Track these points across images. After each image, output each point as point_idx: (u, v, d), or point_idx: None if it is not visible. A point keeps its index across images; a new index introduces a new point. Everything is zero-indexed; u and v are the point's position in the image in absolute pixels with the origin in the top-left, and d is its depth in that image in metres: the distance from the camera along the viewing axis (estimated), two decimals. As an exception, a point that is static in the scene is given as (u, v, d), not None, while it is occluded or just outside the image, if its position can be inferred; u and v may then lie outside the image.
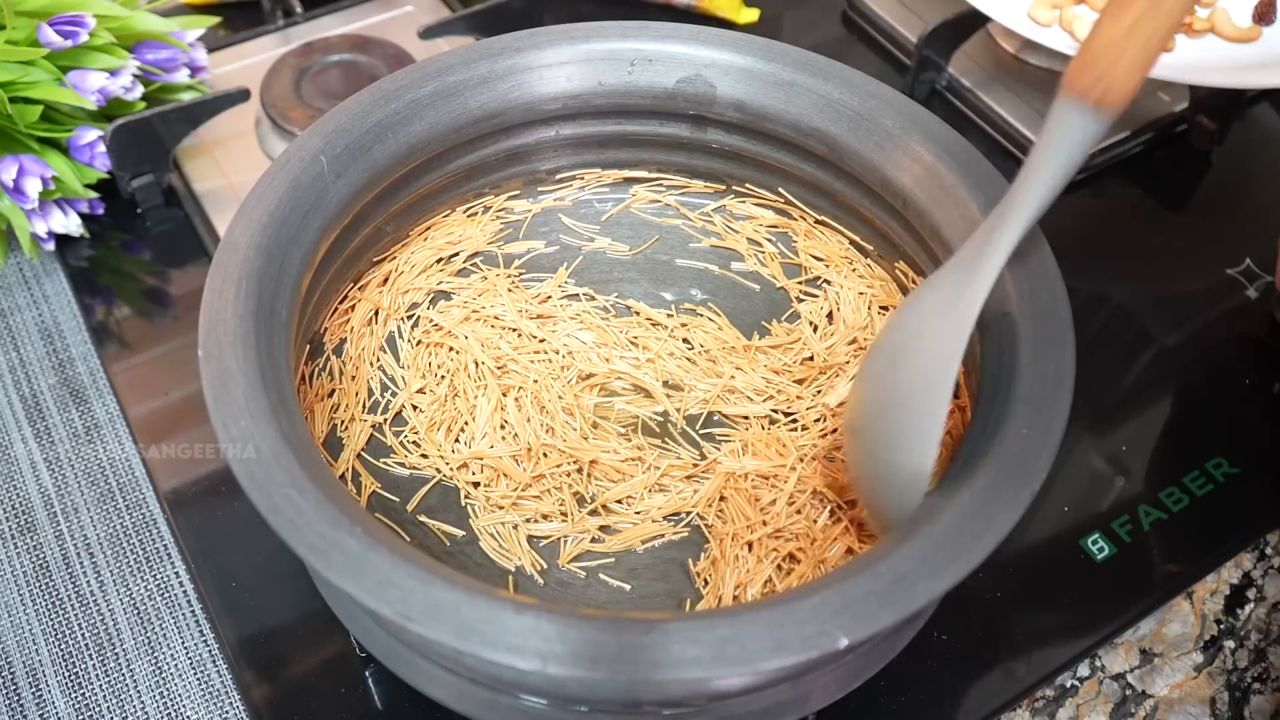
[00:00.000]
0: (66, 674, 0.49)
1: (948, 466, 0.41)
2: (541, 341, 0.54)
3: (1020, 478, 0.38)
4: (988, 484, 0.38)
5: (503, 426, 0.51)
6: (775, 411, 0.52)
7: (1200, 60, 0.66)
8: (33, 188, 0.57)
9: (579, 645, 0.34)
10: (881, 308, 0.54)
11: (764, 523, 0.47)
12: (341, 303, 0.53)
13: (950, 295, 0.41)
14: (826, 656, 0.35)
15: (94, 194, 0.62)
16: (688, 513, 0.49)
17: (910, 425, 0.41)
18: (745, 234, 0.58)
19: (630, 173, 0.58)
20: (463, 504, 0.49)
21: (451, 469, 0.50)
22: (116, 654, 0.50)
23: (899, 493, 0.41)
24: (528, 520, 0.49)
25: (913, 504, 0.40)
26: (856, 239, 0.55)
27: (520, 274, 0.57)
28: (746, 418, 0.52)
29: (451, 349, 0.53)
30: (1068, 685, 0.50)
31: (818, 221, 0.56)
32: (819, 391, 0.53)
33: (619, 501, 0.50)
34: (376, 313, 0.53)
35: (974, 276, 0.41)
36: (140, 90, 0.61)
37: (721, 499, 0.49)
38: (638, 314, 0.56)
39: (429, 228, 0.56)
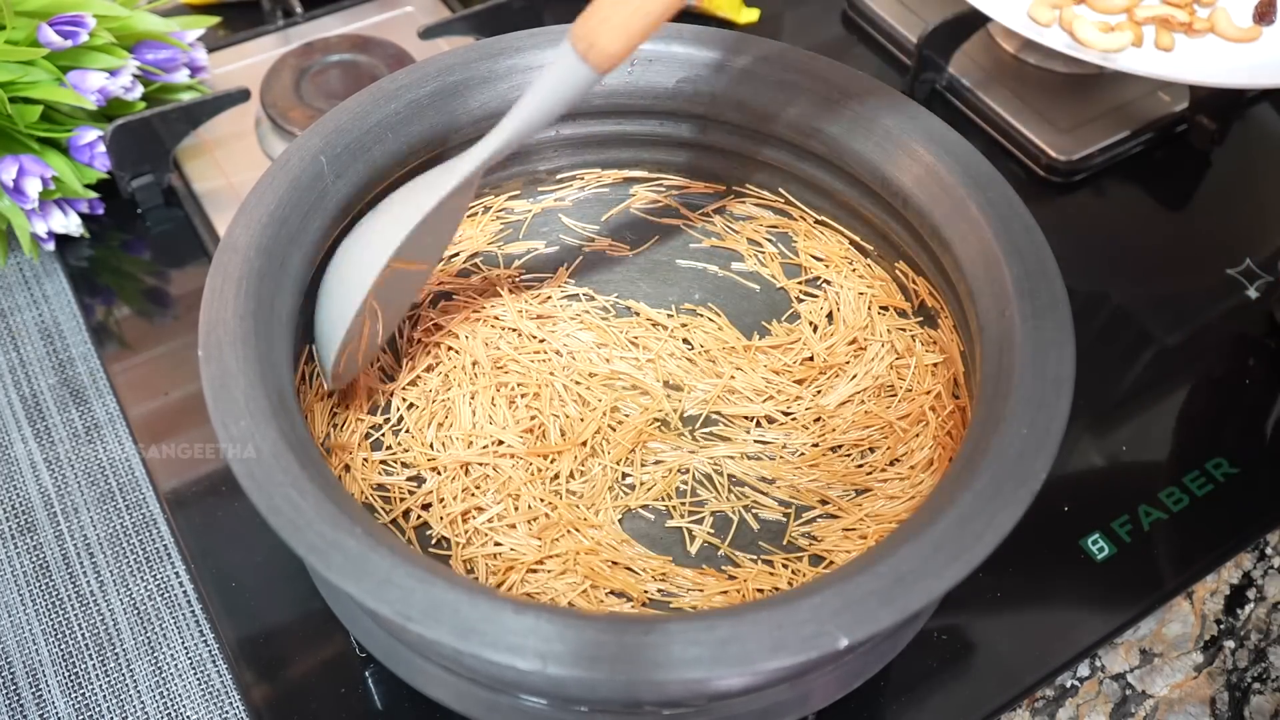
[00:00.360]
0: (66, 674, 0.49)
1: (948, 466, 0.41)
2: (541, 342, 0.54)
3: (1020, 477, 0.38)
4: (988, 484, 0.38)
5: (493, 421, 0.51)
6: (775, 412, 0.52)
7: (1200, 60, 0.66)
8: (33, 188, 0.57)
9: (579, 645, 0.34)
10: (881, 308, 0.54)
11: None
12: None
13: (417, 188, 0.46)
14: (826, 656, 0.35)
15: (94, 194, 0.62)
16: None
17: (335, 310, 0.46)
18: (745, 234, 0.58)
19: (630, 173, 0.58)
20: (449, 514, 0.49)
21: (446, 468, 0.50)
22: (116, 654, 0.50)
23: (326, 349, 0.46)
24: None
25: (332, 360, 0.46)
26: (856, 239, 0.55)
27: (520, 274, 0.57)
28: (748, 418, 0.52)
29: (451, 348, 0.53)
30: (1068, 685, 0.50)
31: (818, 221, 0.56)
32: (819, 392, 0.53)
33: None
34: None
35: (442, 175, 0.46)
36: (140, 90, 0.61)
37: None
38: (638, 314, 0.56)
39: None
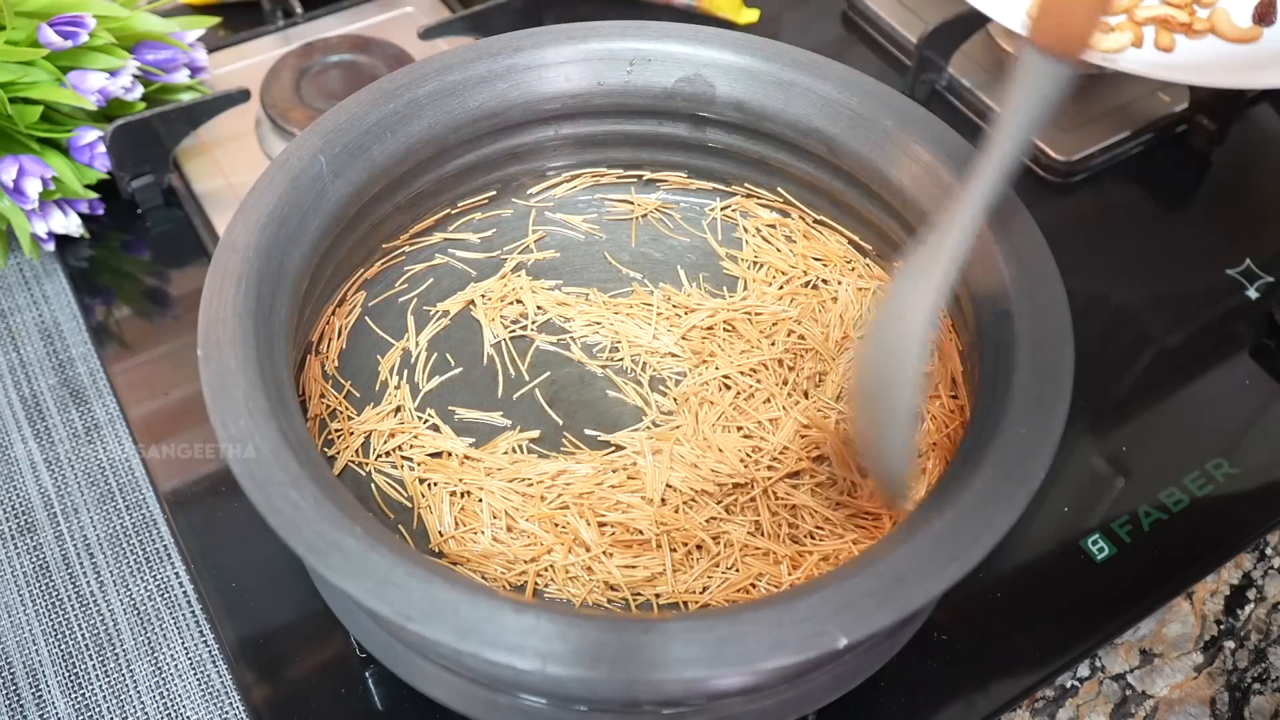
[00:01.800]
0: (66, 674, 0.49)
1: (946, 466, 0.41)
2: (541, 339, 0.54)
3: (1019, 478, 0.38)
4: (986, 484, 0.38)
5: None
6: (766, 406, 0.52)
7: (1200, 60, 0.66)
8: (33, 188, 0.57)
9: (579, 645, 0.34)
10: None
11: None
12: (341, 304, 0.53)
13: (923, 260, 0.42)
14: (825, 656, 0.35)
15: (94, 194, 0.62)
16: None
17: (890, 398, 0.41)
18: (744, 234, 0.58)
19: (629, 172, 0.58)
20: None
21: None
22: (116, 654, 0.50)
23: (889, 467, 0.42)
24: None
25: (902, 477, 0.42)
26: (855, 239, 0.55)
27: (520, 273, 0.57)
28: (737, 410, 0.52)
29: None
30: (1068, 685, 0.50)
31: (817, 221, 0.56)
32: (818, 383, 0.52)
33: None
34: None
35: (946, 235, 0.41)
36: (140, 91, 0.61)
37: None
38: (635, 309, 0.56)
39: (427, 227, 0.56)
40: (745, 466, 0.49)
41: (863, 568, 0.36)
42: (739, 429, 0.51)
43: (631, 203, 0.59)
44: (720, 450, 0.50)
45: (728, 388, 0.53)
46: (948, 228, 0.41)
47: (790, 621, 0.35)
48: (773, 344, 0.54)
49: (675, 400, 0.52)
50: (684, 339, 0.55)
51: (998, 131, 0.41)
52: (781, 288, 0.56)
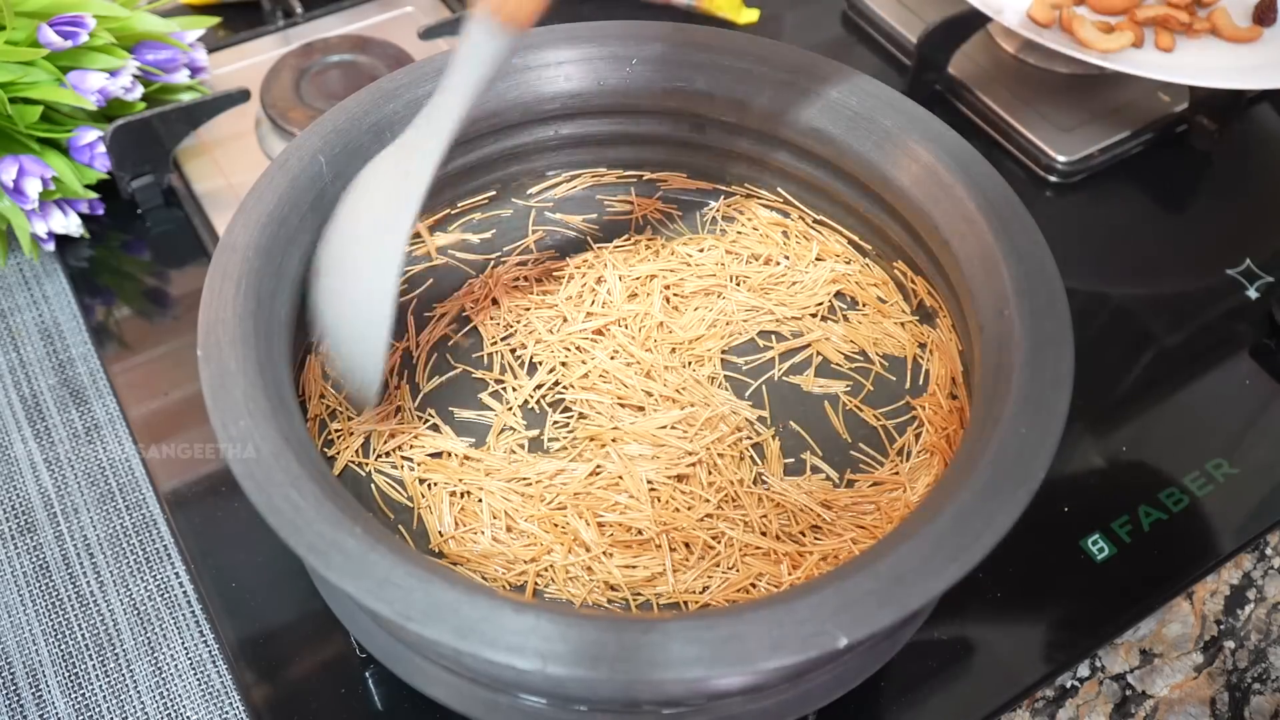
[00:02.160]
0: (66, 674, 0.49)
1: (946, 466, 0.41)
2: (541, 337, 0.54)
3: (1018, 478, 0.38)
4: (986, 484, 0.38)
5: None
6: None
7: (1200, 60, 0.66)
8: (33, 188, 0.57)
9: (579, 645, 0.34)
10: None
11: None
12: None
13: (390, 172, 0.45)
14: (825, 656, 0.35)
15: (94, 194, 0.62)
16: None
17: (366, 309, 0.44)
18: (745, 234, 0.58)
19: (629, 172, 0.58)
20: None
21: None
22: (116, 654, 0.50)
23: (361, 377, 0.46)
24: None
25: (371, 385, 0.45)
26: (855, 238, 0.55)
27: (520, 271, 0.57)
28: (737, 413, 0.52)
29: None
30: (1068, 685, 0.50)
31: (816, 221, 0.56)
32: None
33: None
34: None
35: (410, 154, 0.45)
36: (140, 91, 0.61)
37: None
38: (635, 313, 0.56)
39: (427, 227, 0.56)
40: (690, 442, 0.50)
41: (863, 567, 0.36)
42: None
43: (631, 203, 0.59)
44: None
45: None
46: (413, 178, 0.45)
47: (790, 621, 0.35)
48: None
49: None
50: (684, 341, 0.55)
51: (445, 85, 0.44)
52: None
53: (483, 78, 0.43)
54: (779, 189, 0.57)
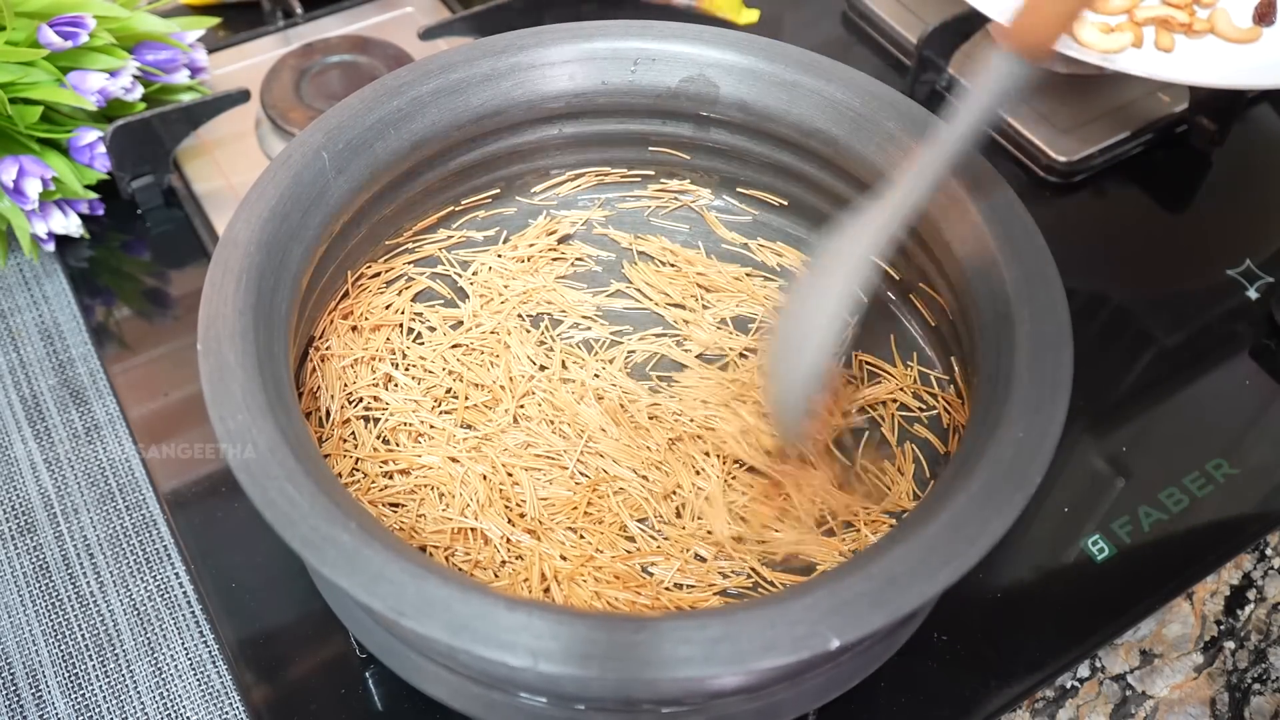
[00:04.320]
0: (66, 674, 0.49)
1: (944, 468, 0.41)
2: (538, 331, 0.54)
3: (1015, 481, 0.38)
4: (982, 487, 0.38)
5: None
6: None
7: (1200, 61, 0.66)
8: (33, 188, 0.57)
9: (570, 643, 0.34)
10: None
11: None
12: (343, 299, 0.53)
13: (856, 231, 0.44)
14: (818, 657, 0.35)
15: (94, 195, 0.62)
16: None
17: (801, 355, 0.44)
18: (746, 233, 0.58)
19: (632, 172, 0.58)
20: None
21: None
22: (116, 654, 0.50)
23: (786, 417, 0.46)
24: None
25: (794, 429, 0.46)
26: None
27: (522, 270, 0.57)
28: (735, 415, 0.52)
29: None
30: (1068, 686, 0.50)
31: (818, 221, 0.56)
32: None
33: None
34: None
35: (885, 208, 0.44)
36: (140, 91, 0.61)
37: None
38: (637, 313, 0.56)
39: (430, 225, 0.56)
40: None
41: (856, 569, 0.36)
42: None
43: (634, 202, 0.59)
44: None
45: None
46: (890, 200, 0.44)
47: (783, 622, 0.34)
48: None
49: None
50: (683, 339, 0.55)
51: (957, 120, 0.43)
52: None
53: (991, 114, 0.43)
54: (779, 189, 0.57)
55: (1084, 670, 0.50)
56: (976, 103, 0.43)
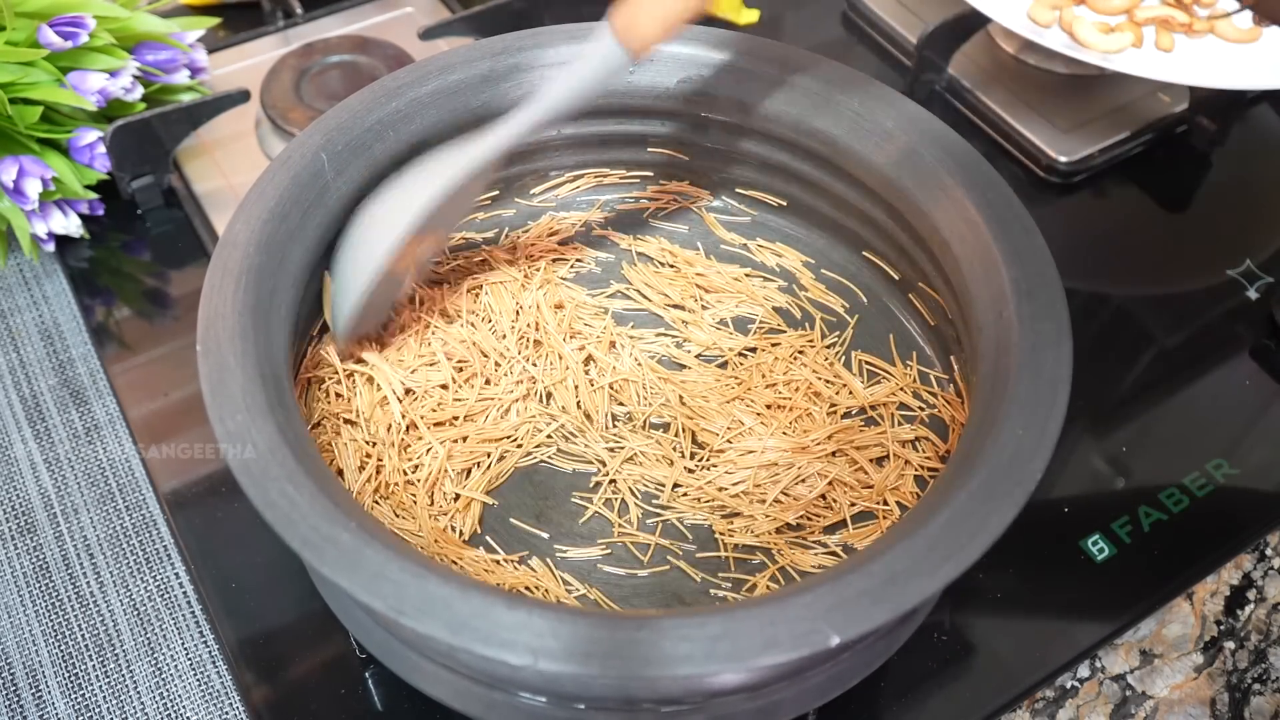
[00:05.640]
0: (66, 674, 0.49)
1: (944, 466, 0.41)
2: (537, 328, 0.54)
3: (1015, 479, 0.38)
4: (982, 485, 0.38)
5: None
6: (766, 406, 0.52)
7: (1200, 61, 0.66)
8: (33, 189, 0.57)
9: (571, 641, 0.34)
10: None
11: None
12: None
13: (444, 156, 0.47)
14: (819, 654, 0.35)
15: (94, 195, 0.62)
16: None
17: (366, 255, 0.47)
18: (746, 233, 0.58)
19: (632, 172, 0.58)
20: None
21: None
22: (116, 654, 0.50)
23: (342, 311, 0.48)
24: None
25: (347, 321, 0.48)
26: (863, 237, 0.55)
27: (522, 269, 0.57)
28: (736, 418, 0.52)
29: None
30: (1068, 686, 0.50)
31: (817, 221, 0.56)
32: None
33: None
34: None
35: (470, 147, 0.47)
36: (140, 91, 0.61)
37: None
38: (636, 314, 0.56)
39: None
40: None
41: (856, 566, 0.36)
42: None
43: (634, 203, 0.59)
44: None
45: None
46: (476, 144, 0.47)
47: (783, 620, 0.34)
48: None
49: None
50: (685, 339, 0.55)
51: (547, 87, 0.46)
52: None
53: (589, 83, 0.45)
54: (779, 189, 0.57)
55: (1084, 670, 0.50)
56: (575, 76, 0.45)
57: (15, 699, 0.48)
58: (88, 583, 0.52)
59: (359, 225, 0.48)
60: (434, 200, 0.47)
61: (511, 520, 0.49)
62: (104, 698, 0.48)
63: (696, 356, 0.54)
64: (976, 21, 0.71)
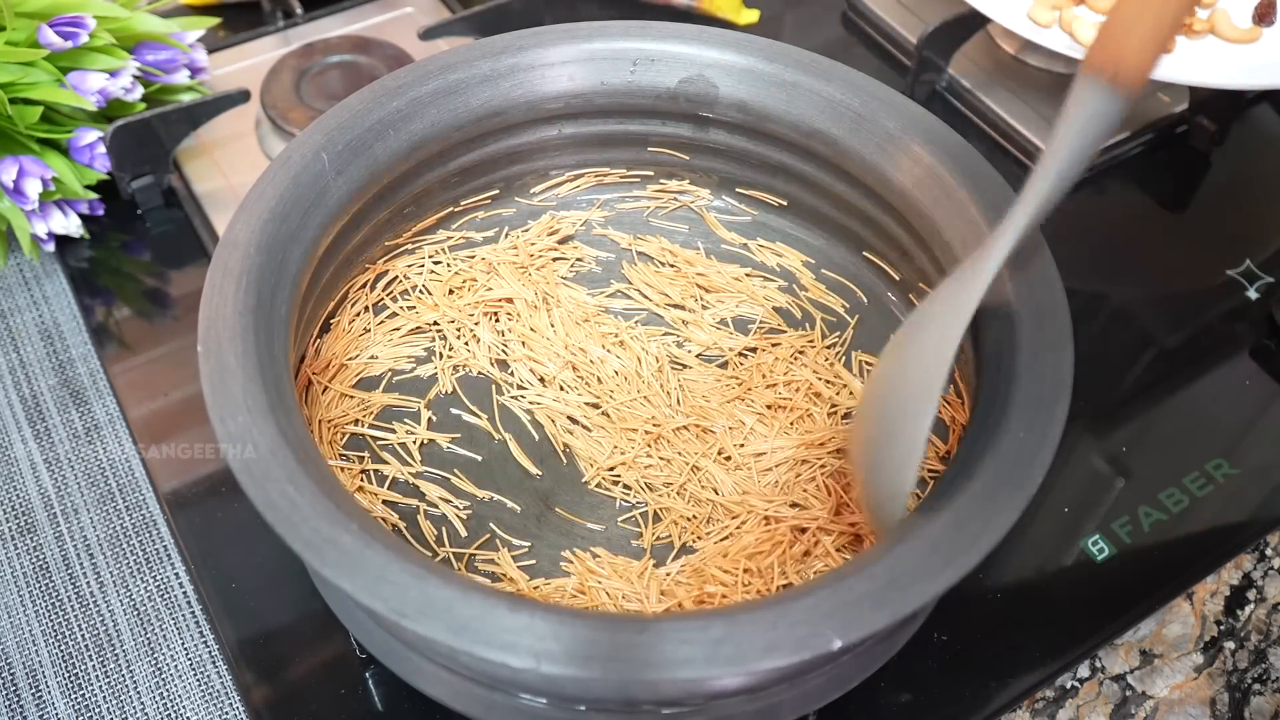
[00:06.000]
0: (66, 675, 0.49)
1: (945, 468, 0.41)
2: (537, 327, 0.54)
3: (1017, 481, 0.38)
4: (984, 487, 0.38)
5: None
6: (766, 406, 0.52)
7: (1200, 61, 0.66)
8: (33, 189, 0.57)
9: (572, 644, 0.34)
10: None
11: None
12: (343, 301, 0.53)
13: (955, 289, 0.41)
14: (820, 657, 0.35)
15: (94, 195, 0.62)
16: None
17: (898, 429, 0.39)
18: (746, 233, 0.58)
19: (632, 172, 0.58)
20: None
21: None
22: (116, 655, 0.50)
23: (883, 501, 0.40)
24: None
25: (894, 514, 0.40)
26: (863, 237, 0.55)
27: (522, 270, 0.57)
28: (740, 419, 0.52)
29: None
30: (1068, 686, 0.50)
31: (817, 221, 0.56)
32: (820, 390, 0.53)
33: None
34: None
35: (978, 267, 0.40)
36: (140, 91, 0.61)
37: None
38: (635, 313, 0.56)
39: (430, 226, 0.56)
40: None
41: (858, 570, 0.36)
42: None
43: (634, 203, 0.59)
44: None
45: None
46: (981, 259, 0.40)
47: (785, 623, 0.34)
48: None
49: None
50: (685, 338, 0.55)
51: (1041, 168, 0.39)
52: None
53: (1083, 152, 0.39)
54: (779, 189, 0.57)
55: (1084, 670, 0.50)
56: (1066, 148, 0.38)
57: (15, 699, 0.48)
58: (88, 583, 0.52)
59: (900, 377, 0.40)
60: (959, 338, 0.39)
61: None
62: (104, 698, 0.48)
63: (697, 356, 0.54)
64: (976, 21, 0.71)
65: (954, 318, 0.39)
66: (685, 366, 0.54)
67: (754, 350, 0.54)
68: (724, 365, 0.54)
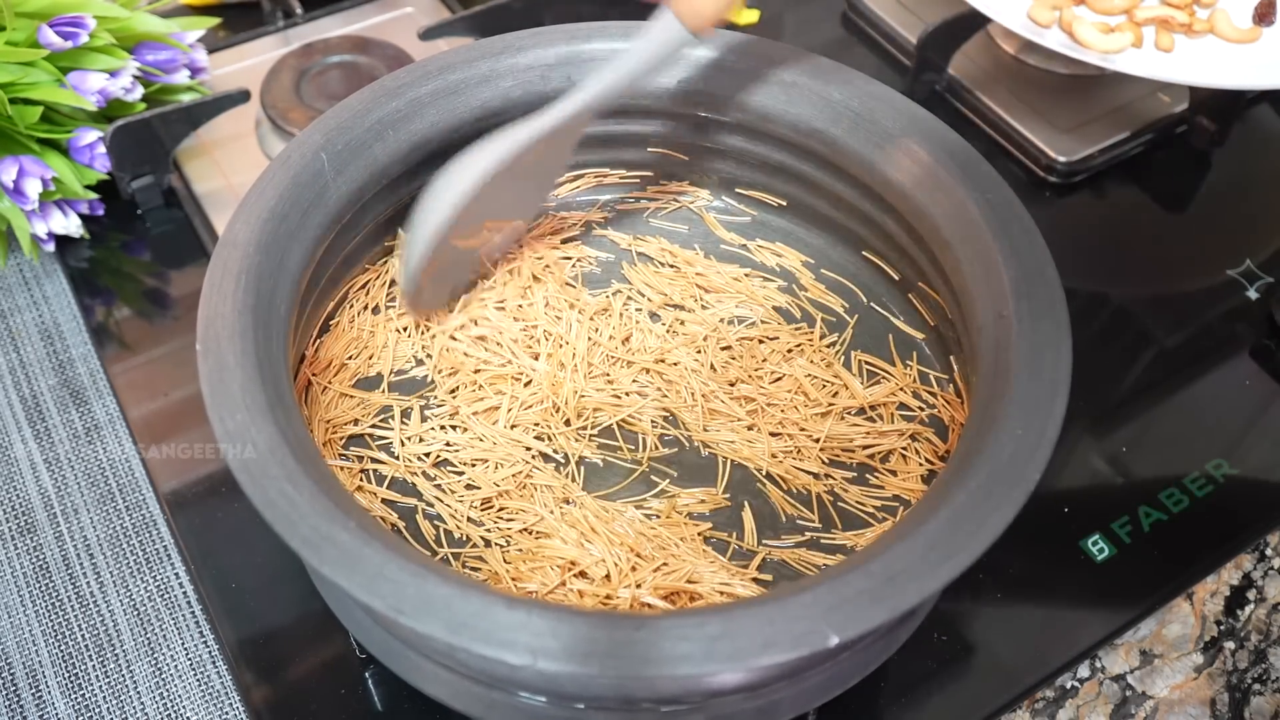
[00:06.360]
0: (66, 674, 0.49)
1: (944, 466, 0.41)
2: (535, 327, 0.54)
3: (1014, 479, 0.38)
4: (982, 484, 0.38)
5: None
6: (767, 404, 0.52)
7: (1200, 61, 0.66)
8: (33, 189, 0.57)
9: (570, 641, 0.34)
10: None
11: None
12: (342, 301, 0.53)
13: (502, 135, 0.48)
14: (818, 654, 0.35)
15: (94, 195, 0.62)
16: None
17: (414, 233, 0.49)
18: (746, 233, 0.58)
19: (632, 172, 0.58)
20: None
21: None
22: (116, 655, 0.50)
23: (406, 270, 0.49)
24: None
25: (406, 291, 0.50)
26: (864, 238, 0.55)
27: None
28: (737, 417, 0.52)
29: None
30: (1068, 686, 0.50)
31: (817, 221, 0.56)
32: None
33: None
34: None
35: (530, 123, 0.48)
36: (140, 91, 0.61)
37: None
38: (637, 312, 0.56)
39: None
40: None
41: (856, 566, 0.36)
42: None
43: (633, 203, 0.59)
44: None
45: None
46: (530, 124, 0.48)
47: (782, 619, 0.34)
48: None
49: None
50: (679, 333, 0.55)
51: (618, 61, 0.47)
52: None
53: (649, 61, 0.47)
54: (780, 189, 0.57)
55: (1084, 670, 0.50)
56: (642, 51, 0.46)
57: (15, 699, 0.48)
58: (88, 583, 0.52)
59: (429, 192, 0.49)
60: (483, 175, 0.47)
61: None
62: (104, 698, 0.48)
63: (696, 355, 0.54)
64: (976, 21, 0.71)
65: (483, 153, 0.48)
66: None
67: (754, 350, 0.54)
68: (724, 365, 0.54)
